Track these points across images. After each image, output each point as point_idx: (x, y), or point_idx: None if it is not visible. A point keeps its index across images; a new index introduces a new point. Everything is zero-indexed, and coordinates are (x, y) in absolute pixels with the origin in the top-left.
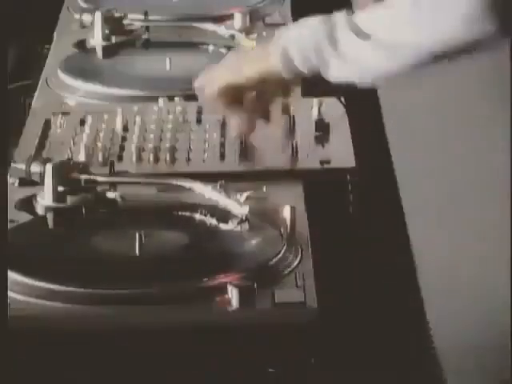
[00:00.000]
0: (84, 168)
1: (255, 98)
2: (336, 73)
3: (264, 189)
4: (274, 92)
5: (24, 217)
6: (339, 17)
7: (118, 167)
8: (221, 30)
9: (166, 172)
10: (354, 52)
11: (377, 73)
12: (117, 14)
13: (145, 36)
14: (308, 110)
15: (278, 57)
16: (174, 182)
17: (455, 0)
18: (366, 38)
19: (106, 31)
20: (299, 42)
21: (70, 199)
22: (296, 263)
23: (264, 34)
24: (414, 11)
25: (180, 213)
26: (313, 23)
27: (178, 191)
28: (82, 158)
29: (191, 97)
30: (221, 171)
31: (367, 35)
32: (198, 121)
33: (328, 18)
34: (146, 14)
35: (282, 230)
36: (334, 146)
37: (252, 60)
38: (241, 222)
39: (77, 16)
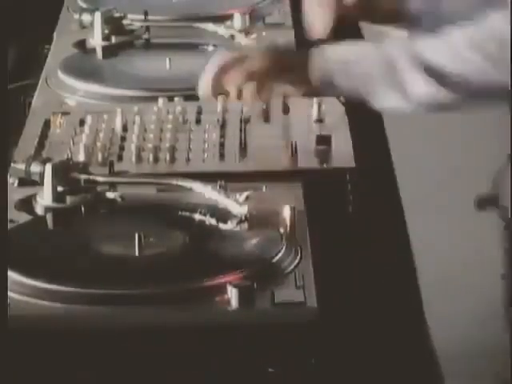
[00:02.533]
0: (84, 168)
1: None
2: (386, 103)
3: (264, 189)
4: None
5: (24, 217)
6: (396, 45)
7: (117, 167)
8: (221, 30)
9: (165, 172)
10: (418, 89)
11: (438, 103)
12: (117, 14)
13: (145, 36)
14: (308, 110)
15: (317, 68)
16: (174, 181)
17: None
18: (427, 69)
19: (106, 31)
20: (348, 66)
21: (69, 199)
22: (296, 263)
23: (264, 33)
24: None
25: (180, 213)
26: (366, 51)
27: (178, 191)
28: (81, 158)
29: (191, 97)
30: (220, 171)
31: (429, 66)
32: (198, 121)
33: (383, 49)
34: (146, 13)
35: (282, 230)
36: (334, 146)
37: (289, 62)
38: (240, 221)
39: (77, 16)
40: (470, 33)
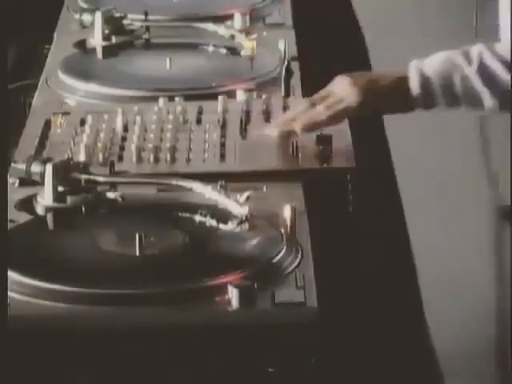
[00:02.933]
0: (84, 168)
1: None
2: (489, 104)
3: (264, 189)
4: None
5: (24, 217)
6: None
7: (117, 167)
8: (221, 30)
9: (166, 172)
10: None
11: None
12: (117, 14)
13: (145, 36)
14: None
15: (412, 73)
16: (174, 181)
17: None
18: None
19: (106, 31)
20: (440, 69)
21: (69, 199)
22: (296, 263)
23: (264, 34)
24: None
25: (180, 213)
26: (454, 58)
27: (178, 191)
28: (82, 158)
29: (191, 97)
30: (221, 171)
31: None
32: (198, 121)
33: (469, 52)
34: (146, 13)
35: (282, 230)
36: (334, 146)
37: (384, 86)
38: (241, 222)
39: (77, 16)
40: None
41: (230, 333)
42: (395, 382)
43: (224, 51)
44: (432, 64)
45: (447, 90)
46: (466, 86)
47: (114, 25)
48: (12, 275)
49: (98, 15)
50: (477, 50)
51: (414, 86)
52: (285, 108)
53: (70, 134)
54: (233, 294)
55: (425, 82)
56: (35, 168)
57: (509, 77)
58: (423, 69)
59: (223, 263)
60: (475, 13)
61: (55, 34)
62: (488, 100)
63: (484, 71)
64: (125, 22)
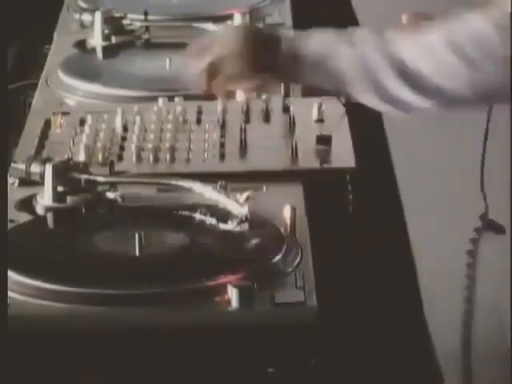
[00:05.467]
0: (84, 168)
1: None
2: (365, 102)
3: (264, 189)
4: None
5: (24, 217)
6: (375, 50)
7: (117, 167)
8: None
9: (165, 172)
10: (397, 94)
11: (416, 110)
12: (117, 14)
13: (145, 36)
14: (308, 109)
15: (289, 58)
16: (174, 181)
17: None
18: (408, 80)
19: (106, 31)
20: (324, 62)
21: (69, 199)
22: (296, 263)
23: None
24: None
25: (180, 213)
26: (342, 48)
27: (178, 191)
28: (81, 157)
29: (191, 97)
30: (221, 171)
31: (414, 78)
32: (198, 121)
33: (359, 50)
34: (146, 13)
35: (282, 230)
36: (334, 146)
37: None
38: (241, 222)
39: (77, 16)
40: (446, 34)
41: (230, 333)
42: (395, 381)
43: None
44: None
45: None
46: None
47: (113, 25)
48: (12, 275)
49: (98, 15)
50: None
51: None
52: (285, 108)
53: (69, 134)
54: (233, 295)
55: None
56: (35, 168)
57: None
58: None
59: (223, 263)
60: None
61: (55, 34)
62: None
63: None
64: (125, 22)
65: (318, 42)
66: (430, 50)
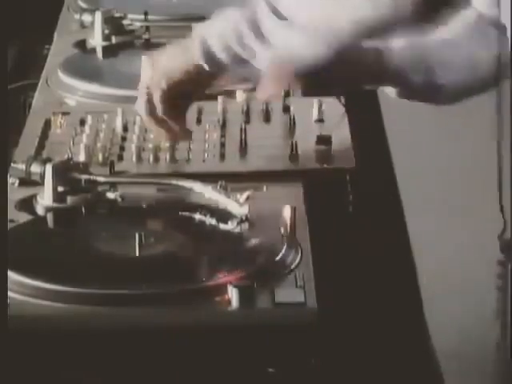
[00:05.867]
0: (84, 168)
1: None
2: (263, 59)
3: (264, 189)
4: (195, 91)
5: (24, 217)
6: (259, 2)
7: (117, 167)
8: None
9: (165, 172)
10: (278, 37)
11: (303, 58)
12: (117, 14)
13: (145, 36)
14: (308, 109)
15: (198, 47)
16: (174, 181)
17: None
18: (288, 24)
19: (106, 31)
20: (218, 30)
21: (69, 199)
22: (296, 263)
23: None
24: None
25: (180, 213)
26: (231, 12)
27: (178, 191)
28: (81, 158)
29: None
30: (221, 171)
31: (289, 21)
32: (198, 121)
33: (247, 6)
34: (145, 13)
35: (282, 230)
36: (334, 146)
37: (171, 56)
38: (241, 222)
39: (77, 16)
40: None
41: (230, 333)
42: (395, 382)
43: None
44: (213, 26)
45: (223, 44)
46: (239, 38)
47: (113, 25)
48: (12, 275)
49: (98, 15)
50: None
51: (198, 54)
52: (285, 108)
53: (69, 134)
54: (233, 294)
55: (206, 47)
56: (35, 168)
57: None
58: (205, 33)
59: (223, 263)
60: None
61: (55, 34)
62: (260, 51)
63: (254, 22)
64: (125, 22)
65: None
66: None
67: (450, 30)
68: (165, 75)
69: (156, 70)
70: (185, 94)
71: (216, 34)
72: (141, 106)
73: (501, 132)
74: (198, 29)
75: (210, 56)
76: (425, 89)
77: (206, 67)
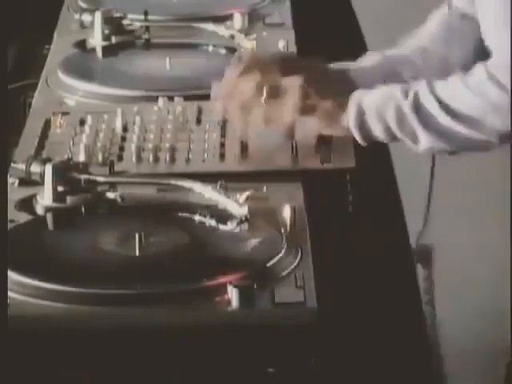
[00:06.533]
0: (84, 168)
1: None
2: (425, 145)
3: (264, 189)
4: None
5: (24, 217)
6: (422, 88)
7: (117, 167)
8: (221, 30)
9: (165, 172)
10: (443, 127)
11: (466, 147)
12: (117, 14)
13: (145, 36)
14: None
15: (353, 114)
16: (174, 181)
17: None
18: (454, 116)
19: (106, 31)
20: (378, 104)
21: (69, 199)
22: (296, 263)
23: (264, 34)
24: (500, 100)
25: (180, 213)
26: (393, 87)
27: (178, 191)
28: (81, 158)
29: (191, 97)
30: (221, 171)
31: (455, 113)
32: (198, 121)
33: (409, 89)
34: (145, 13)
35: (282, 230)
36: (334, 146)
37: (323, 114)
38: (240, 222)
39: (77, 16)
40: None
41: (230, 333)
42: (395, 382)
43: (224, 51)
44: (372, 97)
45: (383, 125)
46: (401, 121)
47: (113, 25)
48: (12, 275)
49: (98, 15)
50: (416, 86)
51: (351, 118)
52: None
53: (69, 134)
54: (233, 294)
55: (361, 115)
56: (35, 168)
57: (446, 118)
58: (362, 100)
59: (223, 263)
60: None
61: (55, 34)
62: (423, 138)
63: (419, 109)
64: (125, 22)
65: (376, 93)
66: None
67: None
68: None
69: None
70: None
71: (375, 104)
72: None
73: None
74: (357, 95)
75: (363, 127)
76: None
77: (357, 136)
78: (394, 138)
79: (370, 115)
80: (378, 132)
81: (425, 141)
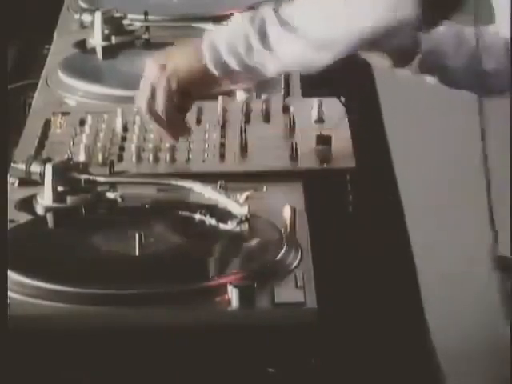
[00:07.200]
0: (84, 168)
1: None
2: (272, 69)
3: (264, 189)
4: (198, 92)
5: (24, 217)
6: (268, 13)
7: (117, 167)
8: None
9: (166, 172)
10: (287, 48)
11: (311, 65)
12: (117, 14)
13: (145, 36)
14: (308, 109)
15: (207, 50)
16: (174, 181)
17: None
18: (298, 35)
19: (106, 31)
20: (228, 35)
21: (69, 199)
22: (296, 263)
23: None
24: (342, 5)
25: (180, 213)
26: (241, 18)
27: (178, 191)
28: (81, 158)
29: None
30: (221, 171)
31: (299, 32)
32: (198, 121)
33: (256, 14)
34: (145, 13)
35: (282, 230)
36: (334, 146)
37: (179, 56)
38: (240, 222)
39: (77, 16)
40: None
41: (230, 333)
42: (395, 382)
43: None
44: (222, 32)
45: (236, 57)
46: (249, 50)
47: (113, 25)
48: (12, 275)
49: (98, 15)
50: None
51: (207, 56)
52: (285, 108)
53: (69, 134)
54: (233, 294)
55: (215, 52)
56: (35, 168)
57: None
58: (214, 39)
59: (223, 263)
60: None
61: (55, 34)
62: (271, 62)
63: (264, 34)
64: (125, 22)
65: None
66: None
67: None
68: (171, 74)
69: (162, 68)
70: (188, 93)
71: (225, 39)
72: (142, 104)
73: (483, 132)
74: (209, 32)
75: (218, 61)
76: (467, 75)
77: (214, 71)
78: (244, 64)
79: (223, 50)
80: (234, 65)
81: (273, 65)
